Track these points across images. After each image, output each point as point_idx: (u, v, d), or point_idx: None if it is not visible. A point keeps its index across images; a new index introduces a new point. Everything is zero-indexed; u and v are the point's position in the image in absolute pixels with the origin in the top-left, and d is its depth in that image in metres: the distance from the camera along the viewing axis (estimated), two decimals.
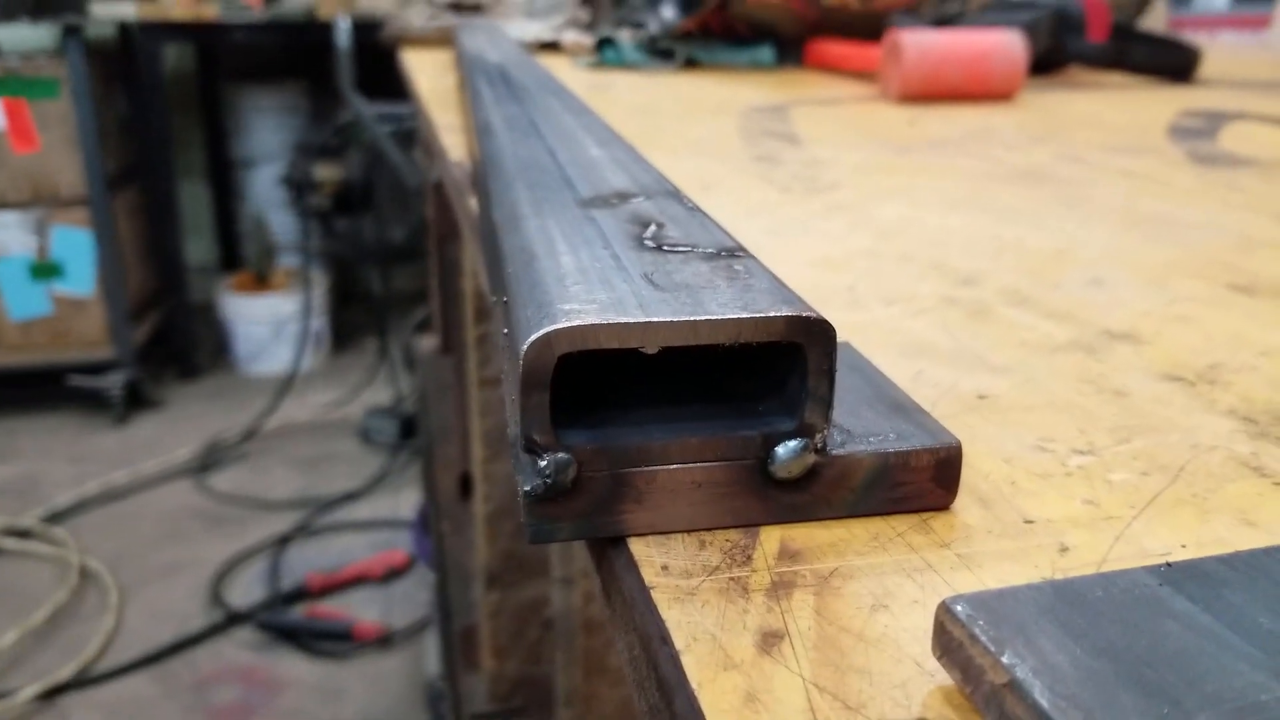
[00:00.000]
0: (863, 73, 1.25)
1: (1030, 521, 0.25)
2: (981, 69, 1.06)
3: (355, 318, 3.55)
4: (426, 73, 1.27)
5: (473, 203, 0.58)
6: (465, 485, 1.46)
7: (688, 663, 0.20)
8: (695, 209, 0.33)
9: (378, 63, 2.59)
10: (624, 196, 0.35)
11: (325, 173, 3.09)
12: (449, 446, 1.59)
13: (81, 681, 1.89)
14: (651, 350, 0.23)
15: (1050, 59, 1.26)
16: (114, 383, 2.86)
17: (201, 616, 2.09)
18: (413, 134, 2.60)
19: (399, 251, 3.19)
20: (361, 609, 2.13)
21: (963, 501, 0.26)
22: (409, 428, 2.79)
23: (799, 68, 1.38)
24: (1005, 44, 1.06)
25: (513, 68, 0.83)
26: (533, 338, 0.22)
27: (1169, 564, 0.21)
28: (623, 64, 1.35)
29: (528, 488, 0.24)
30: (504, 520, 1.02)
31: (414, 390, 2.73)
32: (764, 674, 0.20)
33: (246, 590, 2.19)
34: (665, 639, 0.21)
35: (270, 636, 2.04)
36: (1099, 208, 0.59)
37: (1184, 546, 0.24)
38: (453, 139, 0.81)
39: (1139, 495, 0.27)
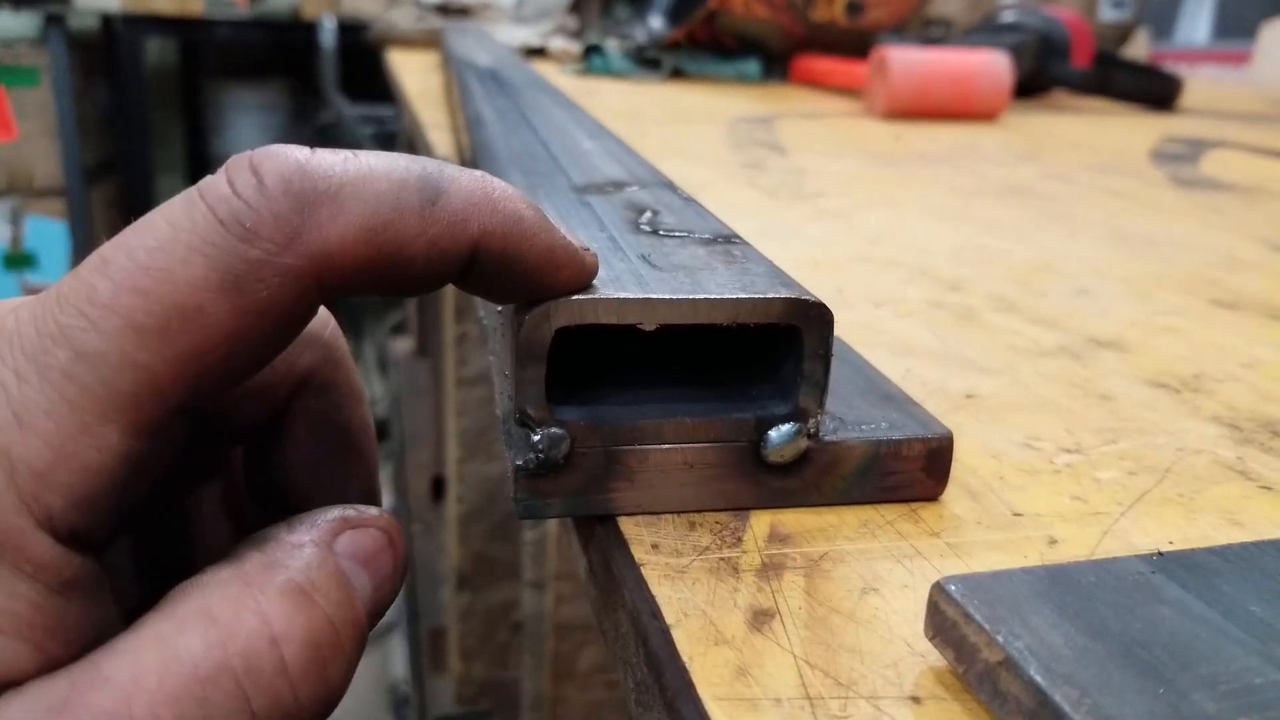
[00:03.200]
0: (848, 90, 1.26)
1: (1019, 514, 0.25)
2: (967, 88, 1.06)
3: None
4: (413, 73, 1.27)
5: None
6: (437, 488, 1.45)
7: (678, 637, 0.20)
8: (690, 199, 0.33)
9: (361, 64, 2.59)
10: (618, 185, 0.35)
11: None
12: (421, 450, 1.58)
13: None
14: (649, 327, 0.23)
15: (1034, 83, 1.27)
16: None
17: None
18: (394, 137, 2.59)
19: None
20: None
21: (951, 494, 0.26)
22: (381, 431, 2.77)
23: (784, 83, 1.38)
24: (991, 64, 1.07)
25: (502, 68, 0.83)
26: (531, 309, 0.22)
27: (1161, 553, 0.21)
28: (609, 72, 1.35)
29: (519, 462, 0.23)
30: (477, 522, 1.01)
31: (387, 393, 2.72)
32: (755, 650, 0.20)
33: None
34: (655, 614, 0.21)
35: None
36: (1083, 224, 0.59)
37: (1171, 543, 0.24)
38: (439, 136, 0.81)
39: (1126, 493, 0.27)
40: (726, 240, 0.28)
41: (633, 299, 0.23)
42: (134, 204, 3.04)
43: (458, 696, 1.06)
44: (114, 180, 3.04)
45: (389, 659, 1.91)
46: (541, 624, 0.85)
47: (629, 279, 0.24)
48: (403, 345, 1.96)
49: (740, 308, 0.23)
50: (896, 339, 0.38)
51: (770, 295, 0.23)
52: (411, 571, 1.37)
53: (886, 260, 0.49)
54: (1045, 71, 1.26)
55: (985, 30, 1.32)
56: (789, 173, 0.71)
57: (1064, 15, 1.29)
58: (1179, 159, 0.88)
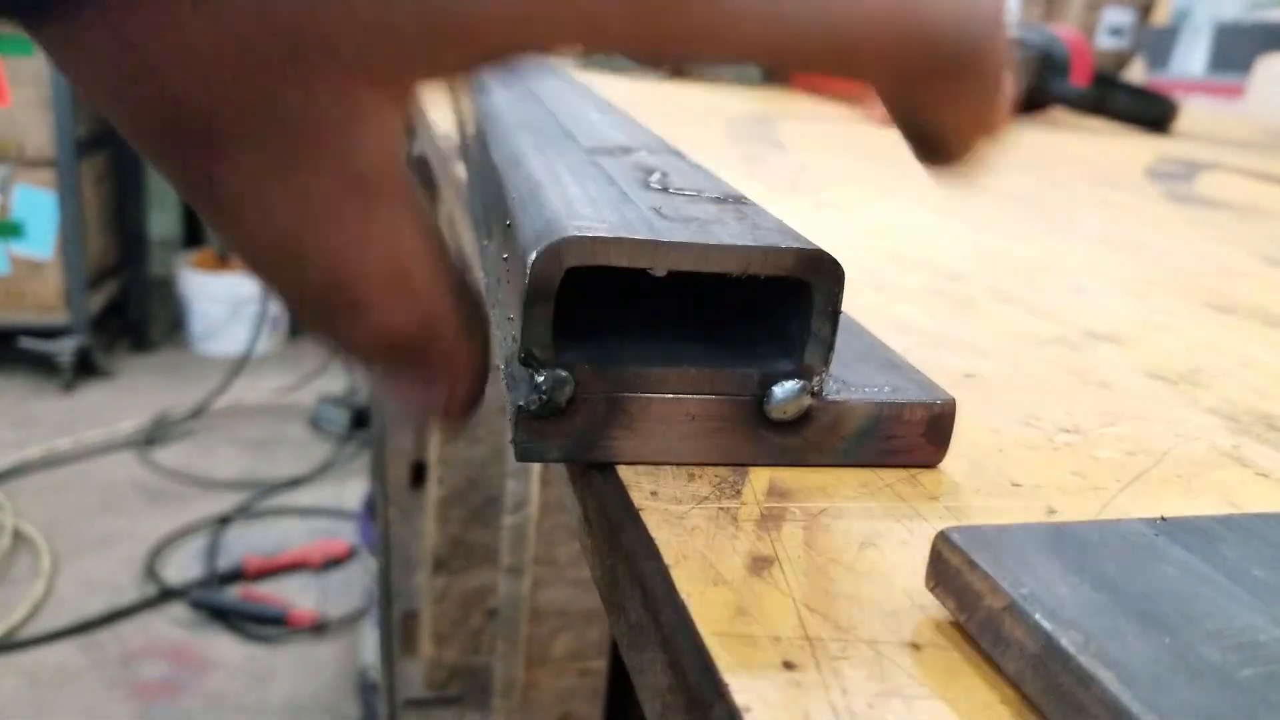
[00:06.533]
0: (848, 99, 1.26)
1: (1018, 485, 0.25)
2: None
3: None
4: None
5: (459, 169, 0.58)
6: (417, 474, 1.45)
7: (677, 576, 0.20)
8: (698, 165, 0.33)
9: None
10: (627, 150, 0.35)
11: None
12: (401, 436, 1.58)
13: (5, 645, 1.85)
14: (660, 273, 0.23)
15: (1033, 99, 1.27)
16: (65, 349, 2.82)
17: (134, 590, 2.06)
18: None
19: None
20: (297, 595, 2.11)
21: (950, 463, 0.26)
22: (360, 418, 2.77)
23: (784, 88, 1.39)
24: None
25: None
26: (542, 246, 0.22)
27: (1164, 518, 0.21)
28: (609, 66, 1.35)
29: (521, 402, 0.23)
30: (456, 506, 1.01)
31: (369, 381, 2.71)
32: (754, 592, 0.20)
33: (182, 567, 2.16)
34: (654, 555, 0.21)
35: (202, 615, 2.01)
36: (1080, 229, 0.59)
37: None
38: (437, 114, 0.80)
39: (1125, 471, 0.27)
40: (737, 200, 0.28)
41: (644, 241, 0.22)
42: (124, 179, 3.03)
43: (427, 681, 1.06)
44: (105, 154, 3.02)
45: (357, 647, 1.91)
46: (517, 609, 0.84)
47: (640, 226, 0.23)
48: None
49: (752, 256, 0.23)
50: (896, 321, 0.38)
51: (783, 246, 0.23)
52: (386, 555, 1.37)
53: (885, 250, 0.49)
54: (1044, 88, 1.26)
55: None
56: (788, 168, 0.71)
57: (1065, 33, 1.29)
58: (1174, 177, 0.89)
